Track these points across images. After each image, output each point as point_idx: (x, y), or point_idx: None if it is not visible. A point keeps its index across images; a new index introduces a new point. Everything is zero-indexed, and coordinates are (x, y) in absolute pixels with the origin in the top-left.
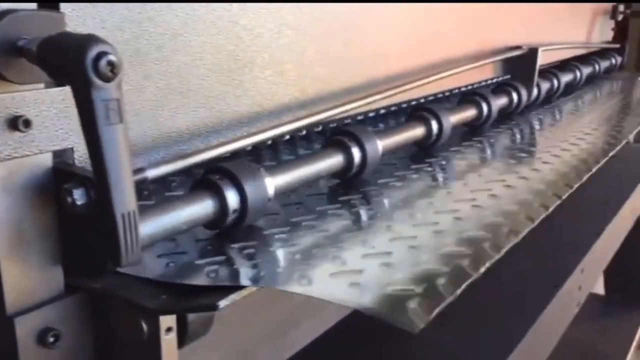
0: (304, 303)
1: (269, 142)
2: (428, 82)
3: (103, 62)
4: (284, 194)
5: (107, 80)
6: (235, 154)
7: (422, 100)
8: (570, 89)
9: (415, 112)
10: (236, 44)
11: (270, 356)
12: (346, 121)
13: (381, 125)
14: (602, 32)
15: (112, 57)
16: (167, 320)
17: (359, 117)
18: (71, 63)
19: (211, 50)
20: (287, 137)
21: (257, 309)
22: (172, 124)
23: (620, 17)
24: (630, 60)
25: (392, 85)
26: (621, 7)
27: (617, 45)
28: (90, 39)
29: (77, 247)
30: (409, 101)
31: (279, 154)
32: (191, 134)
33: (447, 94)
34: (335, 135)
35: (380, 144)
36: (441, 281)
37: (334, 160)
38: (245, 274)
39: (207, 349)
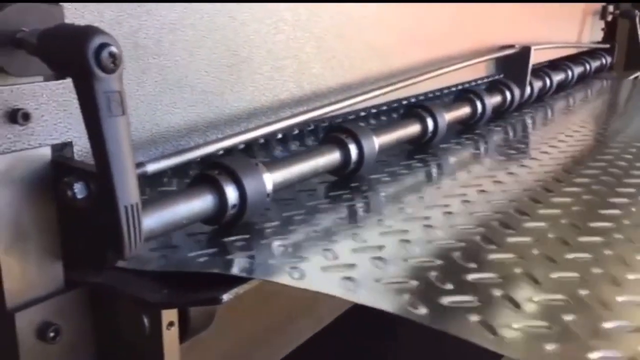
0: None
1: (266, 138)
2: (422, 80)
3: (105, 54)
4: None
5: (109, 71)
6: (233, 150)
7: (414, 100)
8: (562, 88)
9: (411, 109)
10: (234, 39)
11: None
12: (339, 119)
13: (373, 122)
14: (592, 32)
15: (113, 49)
16: (169, 315)
17: (351, 115)
18: (73, 54)
19: (209, 45)
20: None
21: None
22: (170, 119)
23: (609, 18)
24: (619, 61)
25: (387, 83)
26: (611, 8)
27: (607, 45)
28: (92, 30)
29: (76, 241)
30: (403, 99)
31: (275, 151)
32: (189, 129)
33: (441, 92)
34: (332, 131)
35: (377, 141)
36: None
37: (332, 157)
38: (245, 266)
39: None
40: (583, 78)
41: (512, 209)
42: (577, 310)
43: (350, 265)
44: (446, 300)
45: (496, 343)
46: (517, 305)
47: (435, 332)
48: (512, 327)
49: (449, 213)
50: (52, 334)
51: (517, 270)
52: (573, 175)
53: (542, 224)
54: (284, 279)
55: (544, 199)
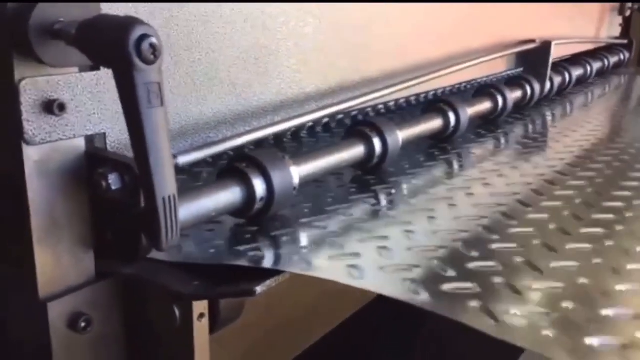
0: None
1: (290, 130)
2: (443, 75)
3: (146, 45)
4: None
5: (149, 63)
6: (259, 142)
7: (433, 93)
8: (580, 83)
9: (434, 104)
10: (262, 31)
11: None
12: (358, 113)
13: (393, 117)
14: (611, 28)
15: (154, 40)
16: (200, 306)
17: (372, 109)
18: (113, 45)
19: (238, 37)
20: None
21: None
22: (200, 111)
23: (628, 13)
24: (634, 56)
25: (409, 78)
26: (629, 3)
27: (626, 41)
28: (133, 21)
29: (109, 232)
30: (424, 93)
31: (299, 143)
32: (218, 122)
33: (461, 86)
34: (356, 125)
35: (401, 135)
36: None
37: (356, 151)
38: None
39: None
40: (601, 73)
41: (515, 200)
42: (576, 298)
43: (355, 254)
44: (447, 287)
45: (496, 328)
46: (517, 292)
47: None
48: (511, 314)
49: (453, 205)
50: (83, 324)
51: (519, 259)
52: (578, 169)
53: (544, 215)
54: (296, 269)
55: (547, 192)
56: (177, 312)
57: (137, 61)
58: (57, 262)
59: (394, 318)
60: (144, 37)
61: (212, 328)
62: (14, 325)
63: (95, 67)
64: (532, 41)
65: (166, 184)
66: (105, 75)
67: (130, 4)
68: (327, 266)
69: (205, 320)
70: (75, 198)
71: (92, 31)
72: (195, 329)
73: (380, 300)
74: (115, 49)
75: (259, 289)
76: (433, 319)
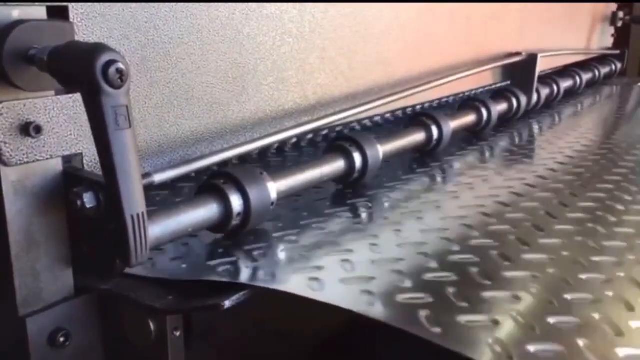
0: None
1: (271, 147)
2: (429, 89)
3: (112, 70)
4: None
5: (116, 87)
6: (239, 159)
7: (420, 107)
8: (571, 94)
9: (416, 117)
10: (239, 52)
11: None
12: (346, 127)
13: (382, 131)
14: (602, 39)
15: (120, 65)
16: (174, 320)
17: (359, 124)
18: (81, 71)
19: (215, 58)
20: (289, 142)
21: None
22: (177, 130)
23: (620, 24)
24: (632, 67)
25: (393, 92)
26: (621, 14)
27: (617, 52)
28: (99, 48)
29: (86, 249)
30: (410, 107)
31: (281, 159)
32: (196, 140)
33: (447, 100)
34: (337, 140)
35: (381, 149)
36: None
37: (336, 165)
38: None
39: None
40: (592, 84)
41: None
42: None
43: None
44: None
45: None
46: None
47: None
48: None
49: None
50: (62, 339)
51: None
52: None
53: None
54: (259, 282)
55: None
56: (152, 326)
57: (104, 85)
58: (36, 278)
59: None
60: (110, 62)
61: (187, 340)
62: None
63: (70, 91)
64: (519, 54)
65: (134, 202)
66: (81, 98)
67: (106, 29)
68: (289, 279)
69: (180, 333)
70: (53, 216)
71: (62, 57)
72: (170, 342)
73: None
74: (83, 74)
75: (227, 303)
76: None
